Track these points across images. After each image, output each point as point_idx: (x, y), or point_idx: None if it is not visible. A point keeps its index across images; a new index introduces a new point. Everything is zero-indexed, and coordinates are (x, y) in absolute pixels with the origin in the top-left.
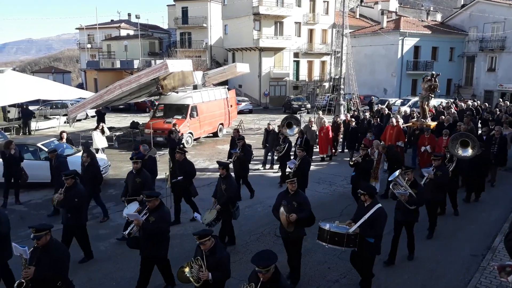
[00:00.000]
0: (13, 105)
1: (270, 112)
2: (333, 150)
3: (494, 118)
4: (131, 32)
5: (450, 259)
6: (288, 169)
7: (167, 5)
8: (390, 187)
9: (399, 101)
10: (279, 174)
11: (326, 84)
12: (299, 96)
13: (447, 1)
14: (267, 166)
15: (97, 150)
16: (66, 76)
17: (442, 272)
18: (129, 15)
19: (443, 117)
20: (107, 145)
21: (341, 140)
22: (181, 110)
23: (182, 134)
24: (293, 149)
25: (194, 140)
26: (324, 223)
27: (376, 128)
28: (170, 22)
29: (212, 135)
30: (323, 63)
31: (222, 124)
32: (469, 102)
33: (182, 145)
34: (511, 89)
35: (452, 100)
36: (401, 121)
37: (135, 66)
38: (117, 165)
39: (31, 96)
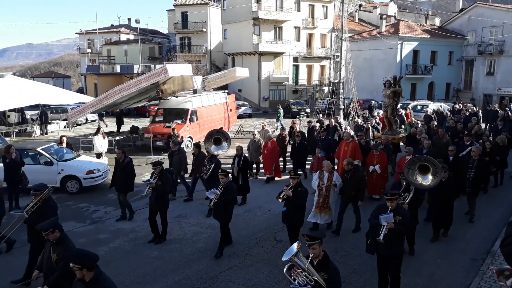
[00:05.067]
0: (13, 110)
1: (269, 116)
2: (280, 168)
3: (468, 132)
4: (131, 37)
5: (449, 263)
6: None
7: (166, 10)
8: (284, 271)
9: (398, 105)
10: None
11: (326, 88)
12: (298, 100)
13: (445, 5)
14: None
15: (98, 155)
16: (66, 80)
17: (442, 275)
18: (129, 19)
19: (414, 129)
20: (106, 150)
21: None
22: (181, 114)
23: (182, 138)
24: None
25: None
26: None
27: (323, 143)
28: (170, 27)
29: None
30: (322, 67)
31: (221, 128)
32: (469, 106)
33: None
34: (510, 93)
35: (407, 104)
36: (352, 132)
37: (135, 71)
38: None
39: (31, 100)
